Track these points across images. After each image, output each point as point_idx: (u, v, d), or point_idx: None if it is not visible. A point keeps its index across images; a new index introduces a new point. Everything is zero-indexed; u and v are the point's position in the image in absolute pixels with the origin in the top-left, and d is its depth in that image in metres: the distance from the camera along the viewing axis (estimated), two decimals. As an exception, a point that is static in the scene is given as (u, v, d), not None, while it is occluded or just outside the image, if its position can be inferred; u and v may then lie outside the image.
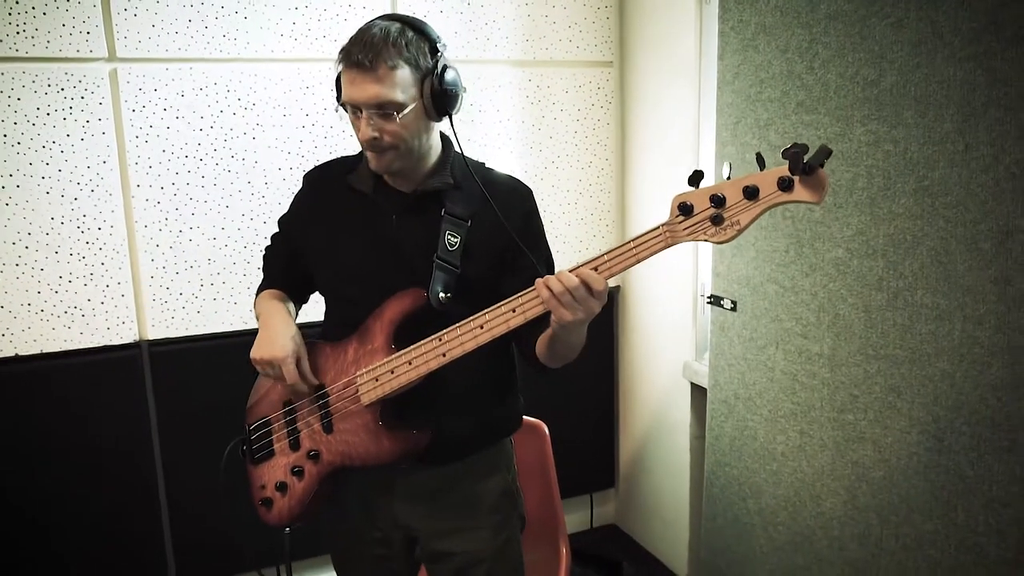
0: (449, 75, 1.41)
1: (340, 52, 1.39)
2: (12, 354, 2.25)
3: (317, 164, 1.66)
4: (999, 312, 1.52)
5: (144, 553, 2.45)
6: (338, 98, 1.46)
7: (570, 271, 1.29)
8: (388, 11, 2.53)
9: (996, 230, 1.51)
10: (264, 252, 1.76)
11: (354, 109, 1.39)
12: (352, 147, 1.61)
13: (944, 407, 1.66)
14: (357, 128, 1.41)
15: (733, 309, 2.23)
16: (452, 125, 1.46)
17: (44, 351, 2.28)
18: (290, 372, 1.47)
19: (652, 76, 2.75)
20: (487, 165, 1.57)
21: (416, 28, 1.40)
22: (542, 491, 2.34)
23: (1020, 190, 1.47)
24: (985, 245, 1.53)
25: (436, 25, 2.56)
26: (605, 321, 3.04)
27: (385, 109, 1.37)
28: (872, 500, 1.86)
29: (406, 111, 1.38)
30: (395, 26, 1.37)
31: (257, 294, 1.69)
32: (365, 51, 1.34)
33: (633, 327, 3.01)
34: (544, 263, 1.57)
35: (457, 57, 2.64)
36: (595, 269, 1.29)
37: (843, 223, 1.84)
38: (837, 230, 1.85)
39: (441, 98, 1.41)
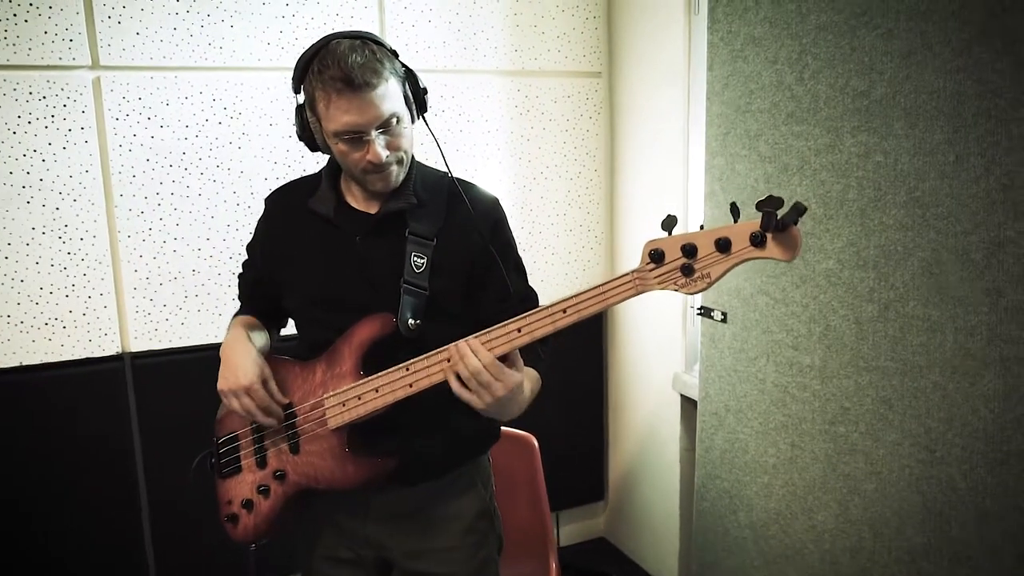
0: (415, 75, 1.42)
1: (317, 84, 1.33)
2: (-9, 367, 2.21)
3: (275, 188, 1.62)
4: (991, 323, 1.52)
5: (126, 566, 2.40)
6: (307, 137, 1.43)
7: (483, 340, 1.28)
8: (376, 20, 2.51)
9: (987, 241, 1.50)
10: (239, 279, 1.73)
11: (352, 137, 1.34)
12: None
13: (936, 419, 1.65)
14: (358, 155, 1.36)
15: (723, 321, 2.22)
16: (427, 123, 1.47)
17: (24, 364, 2.24)
18: (260, 397, 1.43)
19: (641, 87, 2.75)
20: (449, 175, 1.50)
21: (371, 39, 1.37)
22: (531, 505, 2.31)
23: (1011, 201, 1.46)
24: (976, 256, 1.53)
25: (424, 35, 2.58)
26: (594, 333, 3.02)
27: (390, 124, 1.35)
28: (864, 513, 1.84)
29: (405, 120, 1.38)
30: (356, 43, 1.33)
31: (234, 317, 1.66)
32: (361, 73, 1.29)
33: (623, 339, 2.99)
34: (514, 272, 1.54)
35: (445, 67, 2.63)
36: (563, 311, 1.25)
37: (834, 234, 1.83)
38: (828, 241, 1.85)
39: (420, 98, 1.42)
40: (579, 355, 3.00)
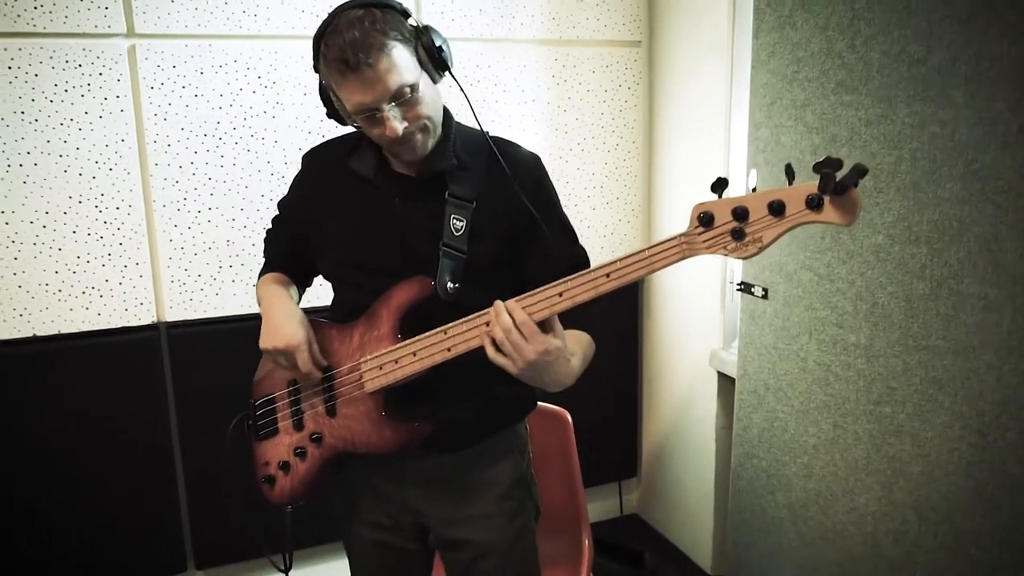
0: (431, 32, 1.36)
1: (325, 67, 1.30)
2: (30, 334, 2.23)
3: (313, 145, 1.60)
4: (1053, 303, 1.45)
5: (162, 536, 2.43)
6: (334, 114, 1.41)
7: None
8: (411, -13, 2.47)
9: (1052, 216, 1.43)
10: (265, 235, 1.72)
11: (369, 113, 1.31)
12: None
13: (989, 401, 1.59)
14: (378, 131, 1.34)
15: (764, 297, 2.16)
16: (455, 79, 1.42)
17: (62, 332, 2.26)
18: (304, 360, 1.42)
19: (682, 56, 2.67)
20: (485, 133, 1.46)
21: (375, 4, 1.31)
22: (565, 480, 2.28)
23: (1078, 174, 1.39)
24: (1039, 232, 1.46)
25: (460, 2, 2.52)
26: (630, 308, 2.98)
27: (403, 95, 1.30)
28: (909, 496, 1.79)
29: (421, 87, 1.33)
30: (359, 14, 1.28)
31: (259, 278, 1.64)
32: (356, 52, 1.25)
33: (659, 314, 2.94)
34: (560, 231, 1.50)
35: (481, 36, 2.58)
36: (607, 275, 1.21)
37: (884, 208, 1.76)
38: (877, 215, 1.78)
39: (438, 56, 1.36)
40: (614, 330, 2.95)
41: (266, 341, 1.45)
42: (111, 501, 2.35)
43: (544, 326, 1.25)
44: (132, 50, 2.21)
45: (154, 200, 2.29)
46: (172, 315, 2.36)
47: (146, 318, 2.34)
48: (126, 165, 2.25)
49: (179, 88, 2.27)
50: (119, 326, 2.31)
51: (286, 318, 1.45)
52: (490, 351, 1.27)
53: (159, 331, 2.36)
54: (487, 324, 1.29)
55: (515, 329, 1.23)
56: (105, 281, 2.28)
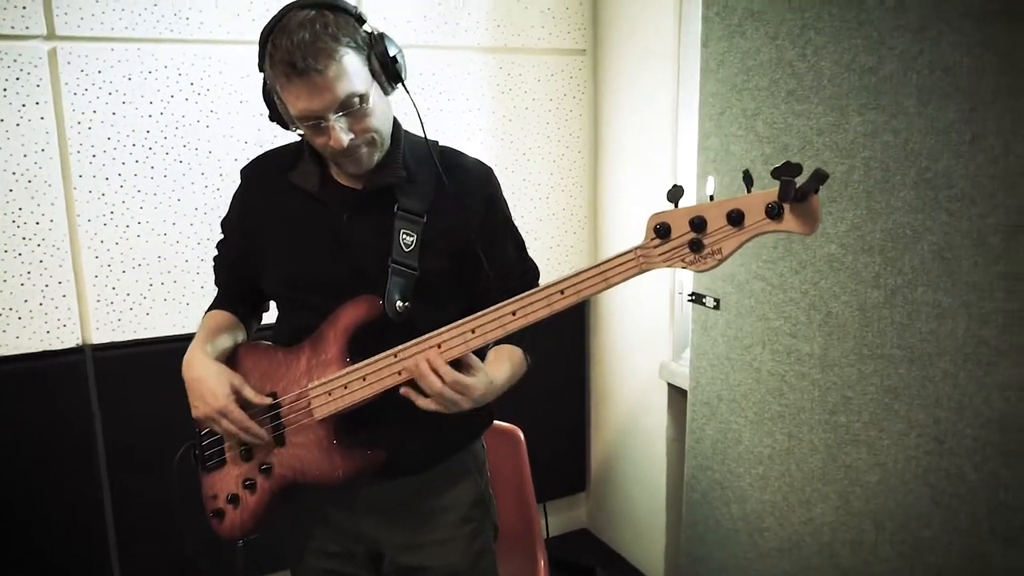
0: (386, 40, 1.30)
1: (270, 68, 1.24)
2: (-60, 360, 2.06)
3: (252, 158, 1.51)
4: (1008, 310, 1.46)
5: (90, 573, 2.27)
6: (277, 118, 1.34)
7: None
8: (352, -8, 2.39)
9: (1006, 224, 1.44)
10: (213, 261, 1.62)
11: (314, 121, 1.25)
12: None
13: (945, 408, 1.60)
14: (322, 140, 1.27)
15: (716, 307, 2.15)
16: (408, 92, 1.36)
17: (-24, 356, 2.10)
18: (236, 417, 1.34)
19: (628, 65, 2.66)
20: (432, 145, 1.41)
21: (328, 6, 1.25)
22: (517, 499, 2.23)
23: (1032, 182, 1.40)
24: (993, 240, 1.46)
25: (404, 8, 2.45)
26: (577, 320, 2.94)
27: (351, 106, 1.24)
28: (866, 505, 1.79)
29: (371, 97, 1.27)
30: (310, 15, 1.21)
31: (206, 312, 1.55)
32: (304, 56, 1.18)
33: (607, 326, 2.92)
34: (513, 247, 1.49)
35: (425, 42, 2.52)
36: (561, 292, 1.20)
37: (837, 218, 1.76)
38: (830, 225, 1.78)
39: (391, 67, 1.30)
40: (561, 343, 2.92)
41: (194, 412, 1.39)
42: (34, 536, 2.18)
43: (459, 365, 1.26)
44: (53, 53, 2.08)
45: (78, 214, 2.15)
46: (99, 337, 2.22)
47: (70, 341, 2.19)
48: (46, 176, 2.10)
49: (104, 94, 2.14)
50: (40, 350, 2.16)
51: (204, 379, 1.37)
52: (421, 402, 1.26)
53: (84, 354, 2.21)
54: (438, 346, 1.25)
55: (446, 390, 1.24)
56: (24, 302, 2.12)
